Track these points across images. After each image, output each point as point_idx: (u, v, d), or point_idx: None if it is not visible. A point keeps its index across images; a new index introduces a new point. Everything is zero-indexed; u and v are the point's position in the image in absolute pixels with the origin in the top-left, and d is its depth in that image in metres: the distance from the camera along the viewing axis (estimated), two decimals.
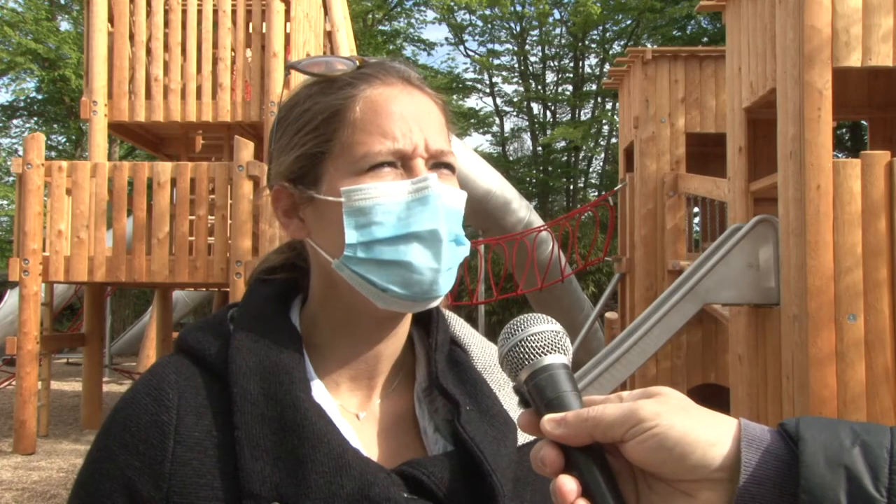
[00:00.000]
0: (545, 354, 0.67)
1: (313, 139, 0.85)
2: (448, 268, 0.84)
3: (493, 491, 0.80)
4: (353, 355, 0.88)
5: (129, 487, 0.78)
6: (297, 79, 0.91)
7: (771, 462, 0.59)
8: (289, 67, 0.91)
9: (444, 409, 0.87)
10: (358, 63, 0.88)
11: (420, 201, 0.82)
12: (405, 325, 0.91)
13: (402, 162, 0.84)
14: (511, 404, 0.89)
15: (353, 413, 0.87)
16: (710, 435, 0.60)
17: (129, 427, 0.80)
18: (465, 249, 0.87)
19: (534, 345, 0.68)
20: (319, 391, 0.85)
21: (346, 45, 8.93)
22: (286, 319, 0.88)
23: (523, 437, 0.88)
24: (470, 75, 25.42)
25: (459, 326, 0.98)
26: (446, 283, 0.85)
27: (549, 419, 0.63)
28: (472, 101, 34.23)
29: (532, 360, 0.67)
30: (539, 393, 0.66)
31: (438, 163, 0.86)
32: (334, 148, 0.84)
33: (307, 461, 0.76)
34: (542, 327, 0.69)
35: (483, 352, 0.96)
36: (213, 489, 0.77)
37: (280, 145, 0.89)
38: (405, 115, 0.84)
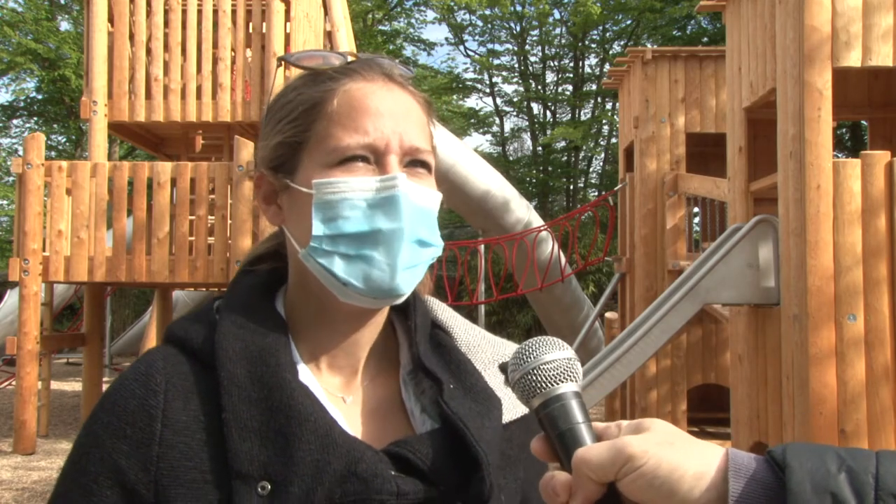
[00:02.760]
0: (558, 383, 0.68)
1: (292, 129, 0.87)
2: (407, 267, 0.84)
3: (478, 462, 0.81)
4: (331, 343, 0.89)
5: (117, 471, 0.79)
6: (294, 75, 0.93)
7: (758, 490, 0.59)
8: (279, 60, 0.93)
9: (431, 390, 0.88)
10: (347, 58, 0.89)
11: (386, 199, 0.83)
12: (382, 315, 0.91)
13: (375, 157, 0.84)
14: (496, 383, 0.90)
15: (339, 397, 0.88)
16: (697, 467, 0.61)
17: (116, 412, 0.81)
18: (433, 251, 0.88)
19: (547, 373, 0.69)
20: (305, 375, 0.86)
21: (346, 45, 8.93)
22: (271, 306, 0.89)
23: (510, 415, 0.89)
24: (470, 75, 25.42)
25: (441, 310, 0.99)
26: (407, 282, 0.85)
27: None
28: (472, 101, 34.21)
29: (545, 388, 0.68)
30: (551, 423, 0.68)
31: (414, 160, 0.86)
32: (310, 139, 0.86)
33: (294, 440, 0.77)
34: (555, 355, 0.70)
35: (466, 333, 0.97)
36: (202, 471, 0.78)
37: (265, 132, 0.91)
38: (381, 110, 0.85)
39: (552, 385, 0.68)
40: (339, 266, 0.84)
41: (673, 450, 0.62)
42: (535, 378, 0.69)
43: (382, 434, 0.85)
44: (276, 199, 0.90)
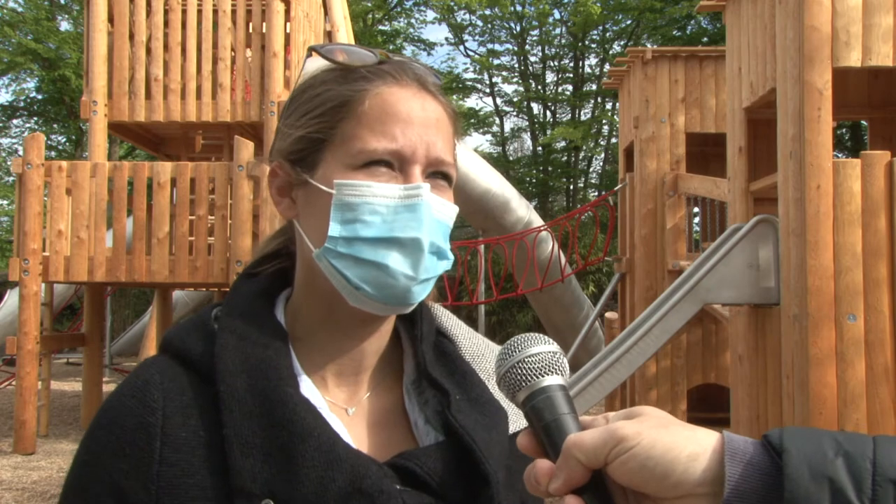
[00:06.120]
0: (543, 376, 0.68)
1: (317, 124, 0.85)
2: (424, 278, 0.83)
3: (487, 478, 0.80)
4: (336, 350, 0.87)
5: (117, 491, 0.78)
6: (295, 74, 0.91)
7: (754, 475, 0.58)
8: (310, 50, 0.90)
9: (434, 400, 0.87)
10: (380, 57, 0.87)
11: (409, 208, 0.82)
12: (389, 322, 0.90)
13: (400, 164, 0.83)
14: (501, 394, 0.89)
15: (342, 408, 0.87)
16: (690, 450, 0.59)
17: (114, 430, 0.80)
18: (446, 264, 0.87)
19: (531, 366, 0.68)
20: (307, 387, 0.85)
21: None
22: (271, 315, 0.87)
23: (515, 425, 0.88)
24: (470, 75, 25.42)
25: (446, 318, 0.97)
26: (421, 292, 0.84)
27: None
28: (472, 101, 34.26)
29: (530, 381, 0.68)
30: (537, 415, 0.67)
31: (437, 172, 0.85)
32: (336, 137, 0.84)
33: (297, 456, 0.76)
34: (539, 348, 0.70)
35: (470, 342, 0.96)
36: (203, 488, 0.77)
37: (287, 123, 0.89)
38: (412, 118, 0.83)
39: (537, 378, 0.68)
40: (352, 269, 0.82)
41: (667, 432, 0.60)
42: (519, 371, 0.68)
43: (386, 445, 0.84)
44: (290, 192, 0.88)
